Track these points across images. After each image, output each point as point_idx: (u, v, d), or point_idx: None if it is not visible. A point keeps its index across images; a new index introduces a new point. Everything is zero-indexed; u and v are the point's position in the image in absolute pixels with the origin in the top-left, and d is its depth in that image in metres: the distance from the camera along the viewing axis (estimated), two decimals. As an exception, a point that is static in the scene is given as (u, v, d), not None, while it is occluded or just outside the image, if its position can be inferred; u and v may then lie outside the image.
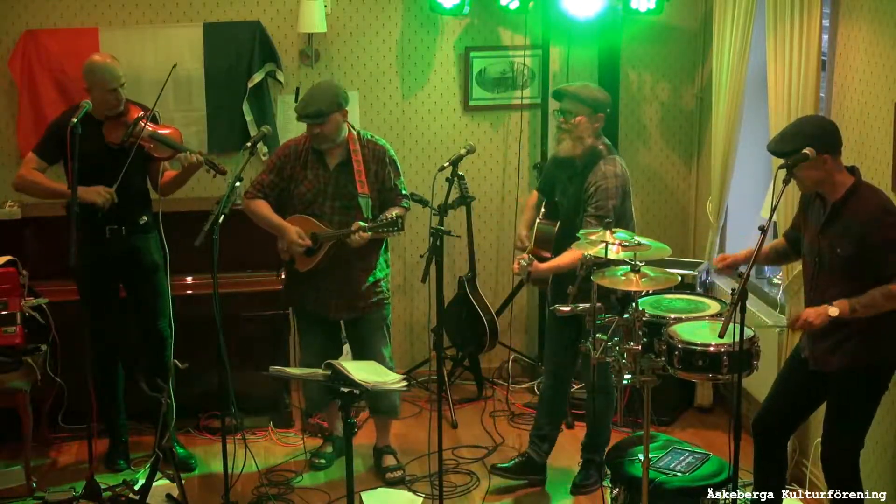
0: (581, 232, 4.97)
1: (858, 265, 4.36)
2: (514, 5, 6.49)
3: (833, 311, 4.32)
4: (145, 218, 5.76)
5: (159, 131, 5.63)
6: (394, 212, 5.49)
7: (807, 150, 4.37)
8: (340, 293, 5.62)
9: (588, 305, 4.81)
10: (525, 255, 5.25)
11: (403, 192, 5.67)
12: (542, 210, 5.56)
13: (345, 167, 5.55)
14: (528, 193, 6.33)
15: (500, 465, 5.73)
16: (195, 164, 5.58)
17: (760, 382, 5.21)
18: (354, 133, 5.59)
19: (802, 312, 4.42)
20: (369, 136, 5.64)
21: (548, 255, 5.35)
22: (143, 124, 5.54)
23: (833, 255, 4.42)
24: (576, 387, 6.65)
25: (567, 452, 6.01)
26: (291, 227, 5.53)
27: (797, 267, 5.27)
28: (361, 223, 5.41)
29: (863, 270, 4.36)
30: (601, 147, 5.32)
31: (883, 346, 4.48)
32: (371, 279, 5.65)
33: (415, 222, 6.74)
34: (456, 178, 6.13)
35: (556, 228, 5.41)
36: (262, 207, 5.59)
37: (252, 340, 6.23)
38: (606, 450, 5.44)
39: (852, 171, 4.46)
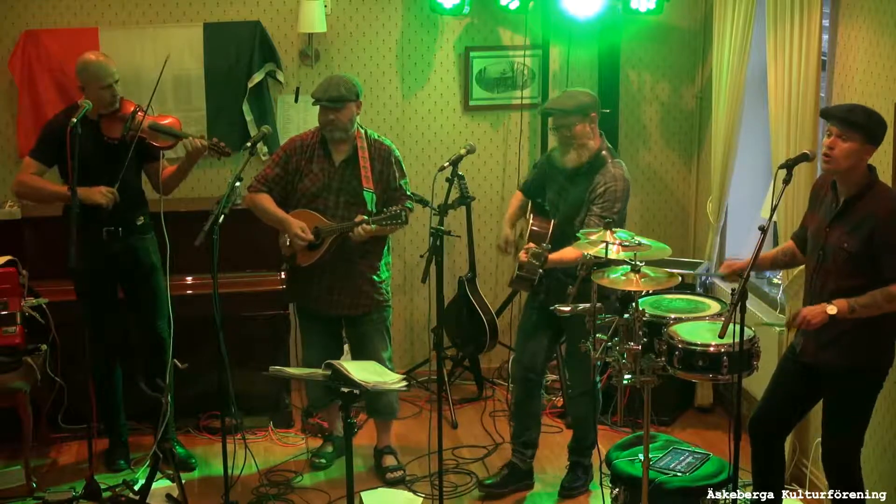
0: (581, 232, 4.98)
1: (861, 262, 4.36)
2: (514, 5, 6.49)
3: (832, 309, 4.32)
4: (142, 219, 5.75)
5: (158, 121, 5.63)
6: (397, 206, 5.50)
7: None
8: (342, 289, 5.63)
9: (588, 305, 4.82)
10: (532, 245, 5.18)
11: (407, 192, 5.67)
12: (531, 210, 5.55)
13: (350, 163, 5.56)
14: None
15: (486, 481, 5.67)
16: (200, 150, 5.57)
17: (760, 382, 5.21)
18: (362, 131, 5.61)
19: (801, 310, 4.42)
20: (376, 136, 5.66)
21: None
22: (140, 116, 5.53)
23: (838, 249, 4.42)
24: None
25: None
26: (294, 220, 5.53)
27: (798, 267, 5.27)
28: (364, 216, 5.42)
29: (864, 268, 4.36)
30: (605, 152, 5.34)
31: (875, 347, 4.48)
32: (375, 278, 5.66)
33: (415, 222, 6.74)
34: (456, 178, 6.12)
35: (551, 228, 5.39)
36: (265, 201, 5.59)
37: (252, 340, 6.23)
38: (606, 450, 5.44)
39: (870, 169, 4.46)
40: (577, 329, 5.31)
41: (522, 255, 5.17)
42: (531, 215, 5.50)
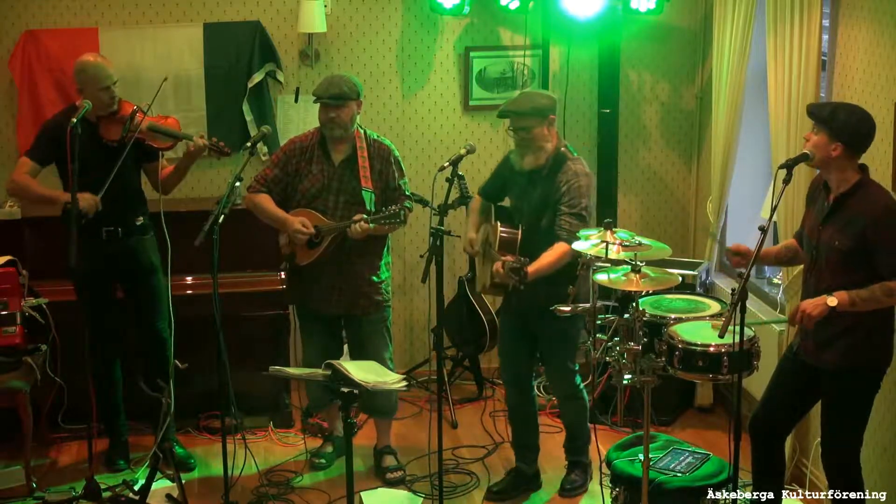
0: (581, 232, 4.97)
1: (854, 260, 4.36)
2: (514, 5, 6.49)
3: (832, 300, 4.32)
4: (141, 219, 5.75)
5: (157, 122, 5.63)
6: (396, 206, 5.49)
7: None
8: (342, 289, 5.63)
9: (588, 305, 4.82)
10: (510, 257, 5.08)
11: (406, 192, 5.68)
12: (495, 216, 5.51)
13: (350, 163, 5.57)
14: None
15: (494, 487, 5.67)
16: (199, 150, 5.58)
17: (760, 382, 5.21)
18: (361, 131, 5.62)
19: (801, 304, 4.42)
20: (375, 136, 5.67)
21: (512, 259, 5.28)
22: (139, 117, 5.53)
23: (830, 247, 4.42)
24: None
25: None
26: (294, 218, 5.54)
27: (797, 267, 5.27)
28: (363, 215, 5.42)
29: (856, 265, 4.36)
30: (563, 149, 5.33)
31: (873, 347, 4.48)
32: (375, 279, 5.66)
33: (415, 222, 6.74)
34: (456, 178, 6.12)
35: (519, 234, 5.36)
36: (265, 201, 5.60)
37: (252, 340, 6.23)
38: (606, 450, 5.44)
39: (862, 168, 4.46)
40: (548, 338, 5.38)
41: (498, 268, 5.09)
42: (497, 222, 5.45)
